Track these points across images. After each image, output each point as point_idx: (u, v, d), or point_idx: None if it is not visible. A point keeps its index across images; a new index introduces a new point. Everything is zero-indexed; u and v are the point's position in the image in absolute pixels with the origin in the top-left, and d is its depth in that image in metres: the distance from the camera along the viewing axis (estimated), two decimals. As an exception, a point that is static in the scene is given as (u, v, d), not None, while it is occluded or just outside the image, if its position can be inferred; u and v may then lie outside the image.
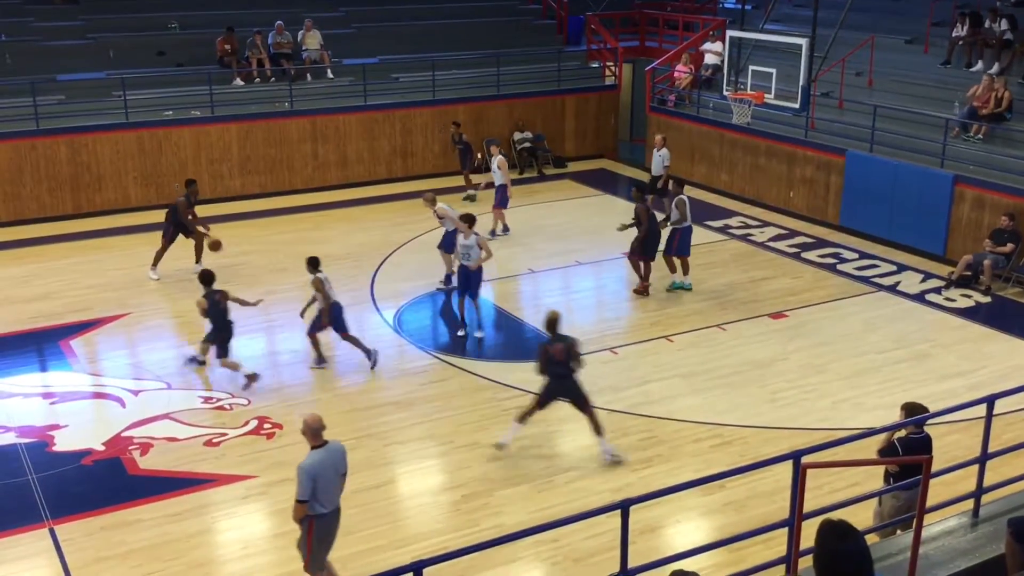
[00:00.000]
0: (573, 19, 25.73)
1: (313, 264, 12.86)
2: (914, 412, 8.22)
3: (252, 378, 12.34)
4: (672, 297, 15.32)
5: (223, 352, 12.45)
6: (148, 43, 21.40)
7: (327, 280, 12.65)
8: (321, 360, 13.03)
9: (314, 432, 7.90)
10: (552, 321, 10.81)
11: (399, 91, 22.21)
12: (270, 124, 20.62)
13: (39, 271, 16.48)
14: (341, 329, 12.89)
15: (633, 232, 15.23)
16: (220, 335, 12.43)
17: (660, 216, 15.52)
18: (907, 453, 8.01)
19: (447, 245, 15.56)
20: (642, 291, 15.37)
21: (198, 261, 16.25)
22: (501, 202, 18.17)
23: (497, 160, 18.22)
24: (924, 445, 8.19)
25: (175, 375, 12.76)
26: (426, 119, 22.09)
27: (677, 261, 15.49)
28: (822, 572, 4.37)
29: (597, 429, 10.65)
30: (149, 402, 12.01)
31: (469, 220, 13.99)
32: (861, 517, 6.20)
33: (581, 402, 10.62)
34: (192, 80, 20.59)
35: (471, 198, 20.17)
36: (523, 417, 10.75)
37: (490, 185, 18.65)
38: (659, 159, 18.80)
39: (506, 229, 18.40)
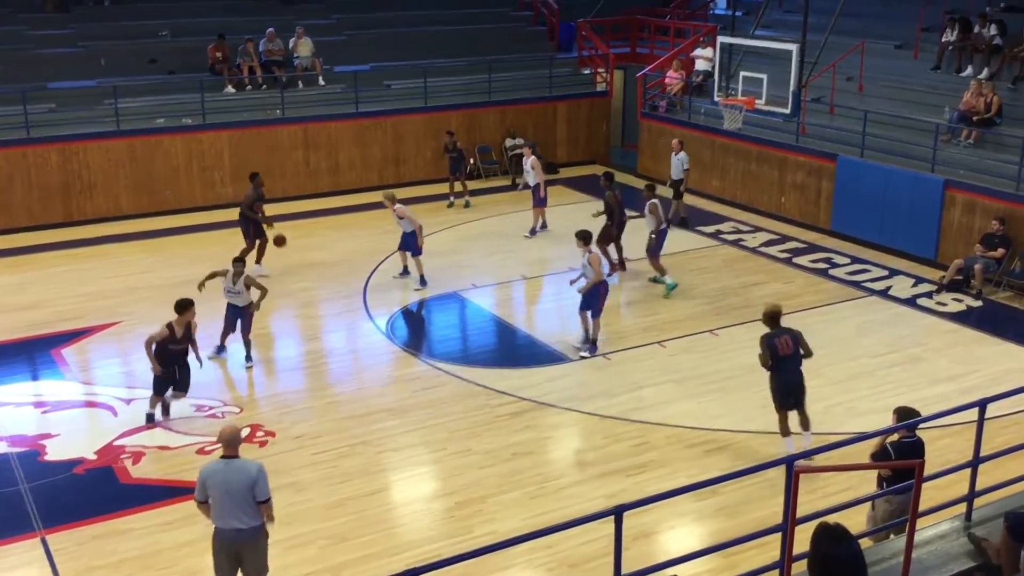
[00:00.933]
0: (564, 26, 25.80)
1: (585, 239, 13.45)
2: (906, 416, 8.23)
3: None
4: (665, 303, 15.33)
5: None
6: (139, 51, 21.37)
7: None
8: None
9: (224, 442, 7.68)
10: (775, 314, 10.69)
11: (391, 98, 22.21)
12: (262, 131, 20.60)
13: (30, 279, 16.43)
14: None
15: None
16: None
17: (633, 214, 16.36)
18: (900, 457, 8.02)
19: (406, 246, 15.94)
20: (619, 267, 16.43)
21: (258, 262, 16.39)
22: (540, 201, 18.65)
23: (530, 160, 18.67)
24: (916, 449, 8.21)
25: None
26: (418, 126, 22.10)
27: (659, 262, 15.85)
28: (822, 573, 4.38)
29: (806, 424, 10.72)
30: (141, 411, 11.93)
31: (584, 238, 13.54)
32: (854, 521, 6.20)
33: (802, 395, 10.58)
34: (183, 88, 20.57)
35: (452, 205, 20.35)
36: (786, 430, 10.60)
37: (527, 186, 19.00)
38: (678, 163, 18.67)
39: (544, 226, 18.86)
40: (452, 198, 20.57)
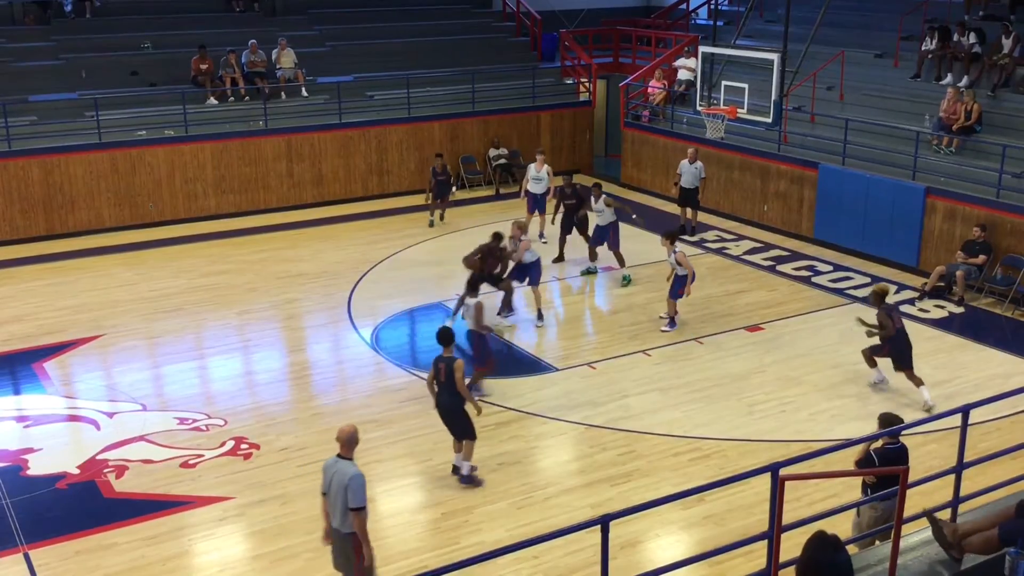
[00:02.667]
0: (547, 36, 25.86)
1: (670, 238, 14.17)
2: (889, 423, 8.26)
3: None
4: (650, 311, 15.35)
5: None
6: (121, 63, 21.29)
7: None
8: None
9: (340, 441, 7.88)
10: (883, 293, 12.23)
11: (374, 109, 22.21)
12: (245, 143, 20.56)
13: (12, 293, 16.33)
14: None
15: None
16: None
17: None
18: (883, 463, 8.06)
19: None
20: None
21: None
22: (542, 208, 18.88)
23: (547, 168, 18.86)
24: (900, 455, 8.24)
25: (150, 397, 12.66)
26: (401, 136, 22.11)
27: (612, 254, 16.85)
28: None
29: (918, 381, 12.09)
30: (124, 424, 11.89)
31: (671, 237, 14.36)
32: (839, 529, 6.23)
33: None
34: (166, 100, 20.50)
35: (434, 225, 20.09)
36: (928, 406, 11.89)
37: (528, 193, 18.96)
38: (694, 172, 18.63)
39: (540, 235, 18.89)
40: (433, 218, 20.12)
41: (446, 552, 9.24)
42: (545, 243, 18.26)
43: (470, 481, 10.41)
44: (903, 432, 8.32)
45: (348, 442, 7.82)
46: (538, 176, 18.68)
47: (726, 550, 7.07)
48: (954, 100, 17.71)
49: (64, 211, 19.22)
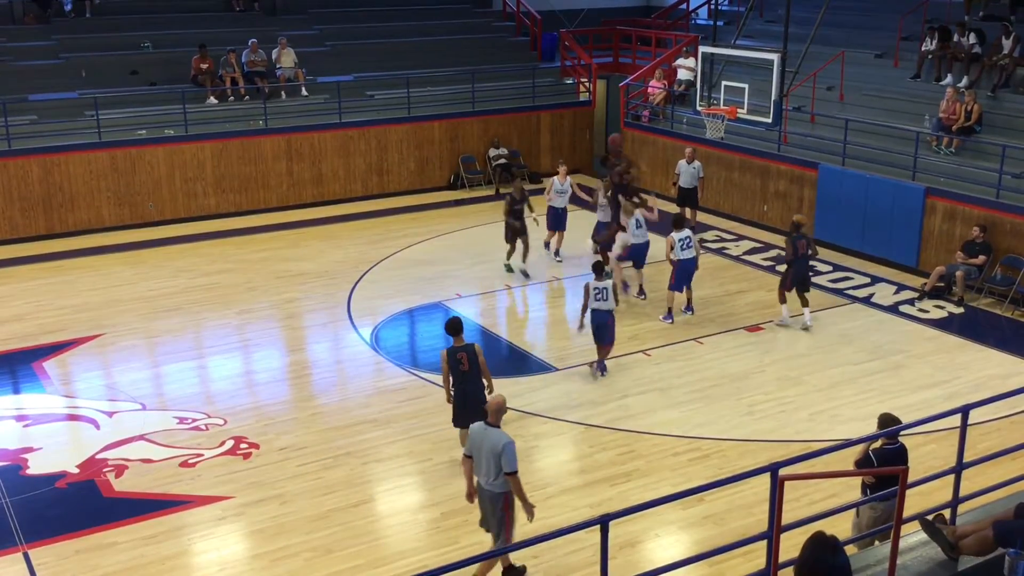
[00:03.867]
0: (547, 36, 25.85)
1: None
2: (888, 423, 8.26)
3: None
4: (650, 312, 15.35)
5: None
6: (121, 62, 21.30)
7: None
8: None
9: (490, 410, 8.43)
10: (799, 224, 14.35)
11: (374, 108, 22.21)
12: (245, 142, 20.56)
13: (11, 292, 16.33)
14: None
15: None
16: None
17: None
18: (882, 464, 8.06)
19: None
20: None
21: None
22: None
23: (570, 179, 17.72)
24: (899, 455, 8.24)
25: (150, 396, 12.66)
26: (401, 136, 22.11)
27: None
28: None
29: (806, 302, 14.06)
30: (124, 423, 11.90)
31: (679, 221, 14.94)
32: (839, 529, 6.22)
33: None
34: (166, 99, 20.50)
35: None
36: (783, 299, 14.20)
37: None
38: (693, 172, 18.61)
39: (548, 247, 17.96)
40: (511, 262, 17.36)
41: (446, 552, 9.24)
42: (560, 261, 17.64)
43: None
44: (903, 432, 8.32)
45: (497, 411, 8.42)
46: (562, 188, 17.41)
47: (725, 550, 7.08)
48: (953, 100, 17.71)
49: (64, 210, 19.22)
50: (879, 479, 8.04)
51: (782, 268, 14.26)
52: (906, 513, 5.53)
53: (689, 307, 15.22)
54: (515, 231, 16.61)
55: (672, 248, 14.70)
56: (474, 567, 8.25)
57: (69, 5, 22.84)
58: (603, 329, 12.89)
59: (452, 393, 10.44)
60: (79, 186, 19.26)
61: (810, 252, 14.63)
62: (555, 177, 17.63)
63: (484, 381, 10.44)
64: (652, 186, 21.78)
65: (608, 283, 12.83)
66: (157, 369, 13.51)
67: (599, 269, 13.04)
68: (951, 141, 17.54)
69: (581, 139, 24.44)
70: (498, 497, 8.45)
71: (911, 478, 5.78)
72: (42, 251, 18.38)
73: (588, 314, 12.81)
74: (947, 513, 6.77)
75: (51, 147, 19.01)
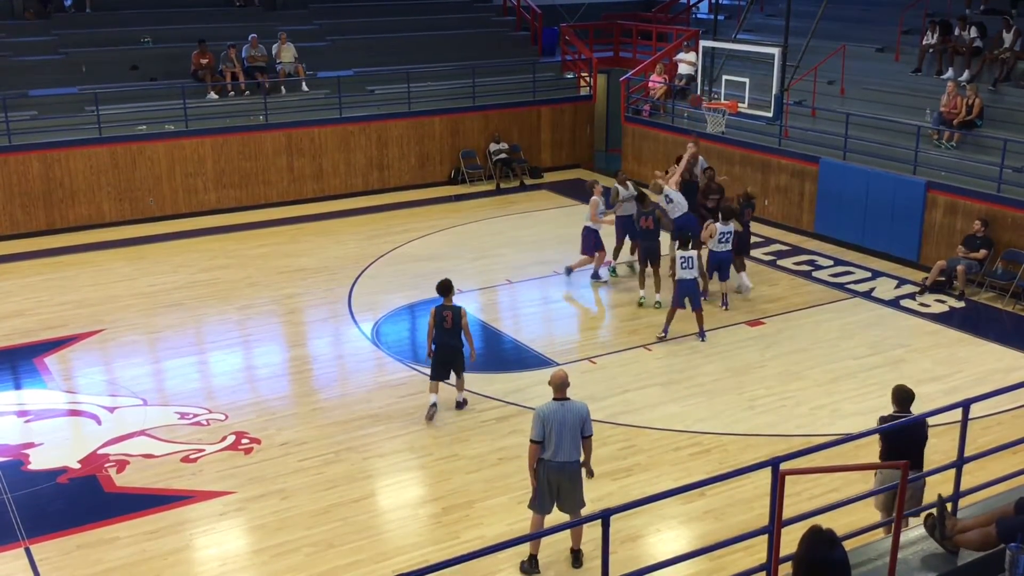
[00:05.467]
0: (547, 30, 25.83)
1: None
2: (901, 395, 8.50)
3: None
4: (651, 308, 15.34)
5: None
6: (121, 58, 21.29)
7: None
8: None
9: (556, 386, 8.68)
10: (750, 196, 15.83)
11: (374, 103, 22.20)
12: (245, 137, 20.55)
13: (12, 288, 16.33)
14: None
15: None
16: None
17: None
18: (889, 432, 8.13)
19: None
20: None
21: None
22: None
23: (631, 184, 16.63)
24: (914, 425, 8.21)
25: (151, 391, 12.67)
26: (402, 131, 22.09)
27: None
28: None
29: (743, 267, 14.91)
30: (125, 419, 11.90)
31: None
32: (840, 523, 6.21)
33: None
34: (166, 94, 20.49)
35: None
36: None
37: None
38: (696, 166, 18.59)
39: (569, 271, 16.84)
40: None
41: (447, 546, 9.25)
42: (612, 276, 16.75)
43: (465, 404, 12.05)
44: (904, 426, 8.31)
45: (562, 385, 8.68)
46: (627, 195, 16.29)
47: (726, 545, 7.08)
48: (955, 94, 17.69)
49: (64, 206, 19.22)
50: (889, 449, 8.17)
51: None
52: (906, 508, 5.52)
53: (724, 301, 15.34)
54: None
55: (712, 237, 14.88)
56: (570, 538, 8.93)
57: (69, 1, 22.81)
58: (694, 297, 13.88)
59: (432, 348, 11.63)
60: (79, 182, 19.26)
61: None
62: (618, 186, 16.41)
63: (465, 341, 11.66)
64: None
65: (693, 253, 13.80)
66: (158, 364, 13.52)
67: (685, 240, 13.89)
68: (952, 135, 17.52)
69: (582, 134, 24.42)
70: (579, 469, 8.72)
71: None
72: (42, 247, 18.38)
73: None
74: (948, 507, 6.77)
75: (51, 143, 19.01)
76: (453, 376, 11.91)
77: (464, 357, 11.83)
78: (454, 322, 11.48)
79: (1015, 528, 5.82)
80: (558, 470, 8.62)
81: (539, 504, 8.80)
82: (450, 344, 11.62)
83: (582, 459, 8.76)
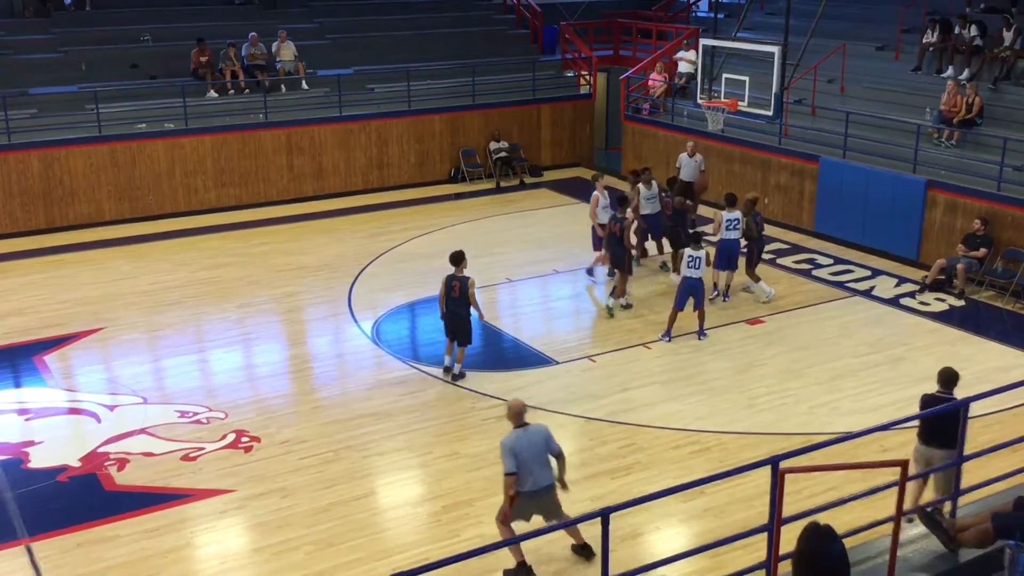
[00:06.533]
0: (547, 29, 25.83)
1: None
2: (947, 376, 8.79)
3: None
4: (650, 304, 15.35)
5: None
6: (121, 56, 21.29)
7: None
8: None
9: (514, 415, 8.65)
10: (755, 200, 15.30)
11: (374, 102, 22.19)
12: (245, 136, 20.55)
13: (12, 286, 16.33)
14: None
15: None
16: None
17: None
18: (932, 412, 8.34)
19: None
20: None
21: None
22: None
23: (655, 183, 16.68)
24: (953, 411, 8.16)
25: (151, 390, 12.67)
26: (402, 130, 22.10)
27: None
28: (806, 572, 4.42)
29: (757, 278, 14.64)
30: (125, 417, 11.90)
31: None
32: (839, 521, 6.21)
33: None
34: (166, 93, 20.49)
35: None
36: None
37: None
38: (695, 165, 18.58)
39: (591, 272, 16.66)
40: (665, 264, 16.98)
41: (447, 544, 9.25)
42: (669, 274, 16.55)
43: (461, 376, 12.69)
44: (903, 425, 8.34)
45: (520, 413, 8.65)
46: (651, 194, 16.44)
47: (726, 542, 7.09)
48: (955, 93, 17.69)
49: (64, 204, 19.22)
50: (925, 425, 8.45)
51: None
52: (906, 506, 5.53)
53: (726, 294, 15.52)
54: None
55: (720, 226, 15.04)
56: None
57: (69, -1, 22.83)
58: (698, 295, 13.89)
59: (444, 311, 12.59)
60: (79, 180, 19.26)
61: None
62: (640, 185, 16.48)
63: (472, 308, 12.50)
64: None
65: (702, 253, 13.81)
66: (158, 363, 13.52)
67: (697, 239, 14.03)
68: (952, 134, 17.52)
69: (582, 132, 24.41)
70: (554, 486, 8.72)
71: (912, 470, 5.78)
72: (42, 245, 18.38)
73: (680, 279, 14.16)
74: (948, 506, 6.78)
75: (51, 141, 19.01)
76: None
77: (471, 324, 12.63)
78: (461, 291, 12.35)
79: (1010, 523, 5.83)
80: (536, 496, 8.61)
81: (513, 515, 8.71)
82: (456, 312, 12.49)
83: (556, 475, 8.76)
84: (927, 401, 8.79)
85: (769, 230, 19.13)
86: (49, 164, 18.97)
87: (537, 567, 8.91)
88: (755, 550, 8.01)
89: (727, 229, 15.00)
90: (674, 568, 7.91)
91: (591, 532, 8.86)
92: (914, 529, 6.42)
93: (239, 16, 23.49)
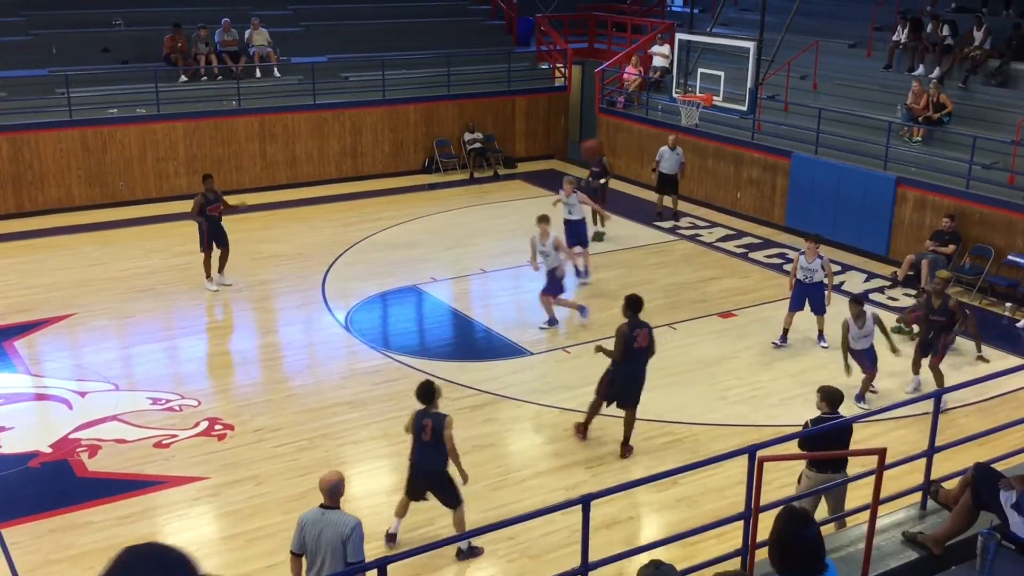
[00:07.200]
0: (523, 20, 25.83)
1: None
2: (830, 396, 8.68)
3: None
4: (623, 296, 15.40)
5: None
6: (92, 40, 21.04)
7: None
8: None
9: (322, 490, 7.09)
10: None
11: (348, 90, 22.10)
12: (217, 122, 20.40)
13: (-20, 271, 16.15)
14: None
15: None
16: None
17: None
18: (818, 434, 8.18)
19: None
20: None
21: (220, 271, 15.54)
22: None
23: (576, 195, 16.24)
24: (838, 429, 8.36)
25: (122, 376, 12.59)
26: (376, 119, 22.03)
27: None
28: (781, 555, 4.51)
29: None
30: (96, 404, 11.82)
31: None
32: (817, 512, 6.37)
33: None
34: (138, 77, 20.30)
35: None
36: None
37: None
38: (676, 158, 18.71)
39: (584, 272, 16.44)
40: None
41: (421, 532, 9.28)
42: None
43: (471, 554, 8.99)
44: (875, 417, 8.46)
45: (330, 491, 6.99)
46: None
47: (700, 532, 7.17)
48: (920, 91, 17.89)
49: (34, 189, 19.00)
50: (812, 449, 8.25)
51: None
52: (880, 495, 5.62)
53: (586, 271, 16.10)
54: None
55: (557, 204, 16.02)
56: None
57: (39, -19, 22.49)
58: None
59: (412, 463, 8.96)
60: (49, 164, 19.04)
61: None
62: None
63: (448, 455, 8.80)
64: (627, 173, 21.91)
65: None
66: (129, 349, 13.43)
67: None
68: (919, 131, 17.72)
69: (556, 124, 24.45)
70: None
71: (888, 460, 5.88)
72: (12, 230, 18.16)
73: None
74: (919, 496, 6.90)
75: (21, 125, 18.77)
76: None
77: (451, 481, 8.88)
78: (435, 434, 8.65)
79: (990, 474, 6.03)
80: None
81: None
82: (430, 466, 8.82)
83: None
84: (816, 425, 8.45)
85: (741, 224, 19.38)
86: (19, 148, 18.75)
87: (515, 558, 8.97)
88: (728, 539, 8.10)
89: (568, 212, 15.85)
90: (647, 557, 7.96)
91: (565, 521, 8.94)
92: (887, 518, 6.53)
93: (212, 2, 23.27)
